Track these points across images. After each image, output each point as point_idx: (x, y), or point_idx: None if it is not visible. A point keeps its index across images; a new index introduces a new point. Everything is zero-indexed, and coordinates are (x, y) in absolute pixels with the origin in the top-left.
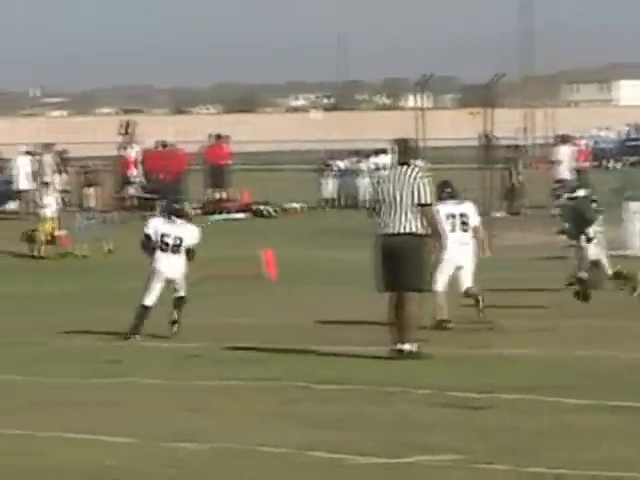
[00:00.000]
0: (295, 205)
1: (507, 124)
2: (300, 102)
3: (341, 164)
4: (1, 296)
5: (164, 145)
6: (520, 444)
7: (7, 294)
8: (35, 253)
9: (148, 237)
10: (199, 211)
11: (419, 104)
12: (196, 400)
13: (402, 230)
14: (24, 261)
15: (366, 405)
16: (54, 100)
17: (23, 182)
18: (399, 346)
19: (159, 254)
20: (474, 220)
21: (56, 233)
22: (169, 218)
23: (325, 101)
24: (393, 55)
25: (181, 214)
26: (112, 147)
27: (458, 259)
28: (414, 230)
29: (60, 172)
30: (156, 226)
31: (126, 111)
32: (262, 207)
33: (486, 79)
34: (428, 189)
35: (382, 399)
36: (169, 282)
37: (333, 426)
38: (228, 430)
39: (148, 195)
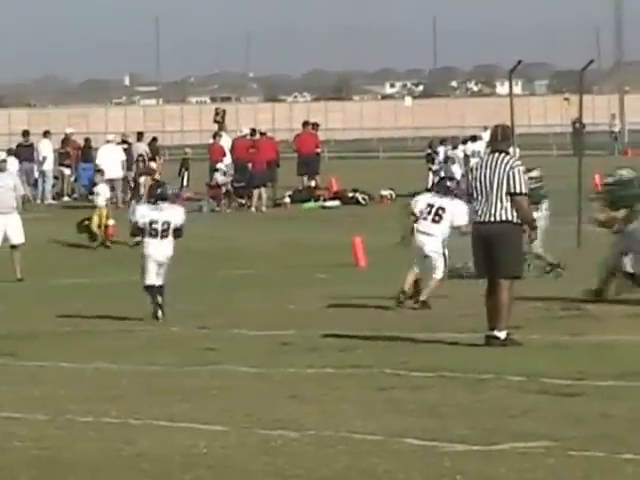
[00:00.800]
0: (385, 193)
1: (600, 110)
2: (392, 89)
3: (441, 151)
4: (77, 285)
5: (258, 133)
6: (614, 431)
7: (83, 284)
8: (92, 243)
9: (136, 224)
10: (291, 199)
11: (510, 91)
12: (290, 388)
13: (496, 218)
14: (84, 251)
15: (459, 392)
16: (146, 89)
17: (109, 171)
18: (493, 333)
19: (148, 239)
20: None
21: (106, 222)
22: (155, 203)
23: (417, 88)
24: (485, 41)
25: (165, 197)
26: (203, 135)
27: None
28: (508, 218)
29: (152, 160)
30: (143, 213)
31: (219, 99)
32: (352, 194)
33: (578, 65)
34: (521, 178)
35: (475, 386)
36: (159, 265)
37: (426, 413)
38: (322, 417)
39: (239, 184)
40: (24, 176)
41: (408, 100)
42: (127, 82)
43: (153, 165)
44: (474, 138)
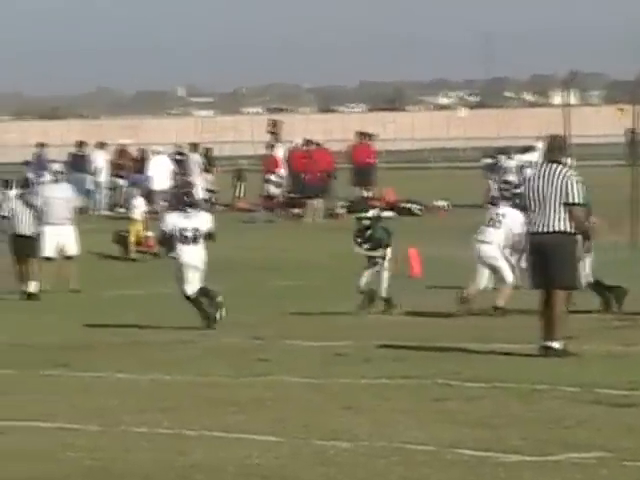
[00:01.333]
0: (440, 203)
1: None
2: (446, 100)
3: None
4: (129, 296)
5: (311, 144)
6: None
7: (136, 295)
8: (127, 255)
9: (165, 233)
10: (346, 210)
11: (566, 101)
12: (345, 398)
13: (551, 228)
14: (134, 262)
15: (513, 403)
16: (201, 100)
17: (159, 182)
18: (547, 343)
19: (181, 247)
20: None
21: (144, 234)
22: (183, 211)
23: (471, 99)
24: (539, 52)
25: (193, 204)
26: (257, 146)
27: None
28: (563, 228)
29: (207, 171)
30: (173, 221)
31: (272, 110)
32: (407, 205)
33: (633, 76)
34: (577, 188)
35: (529, 397)
36: (195, 271)
37: (480, 424)
38: (376, 428)
39: (294, 194)
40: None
41: (462, 110)
42: (181, 93)
43: (191, 179)
44: (528, 149)
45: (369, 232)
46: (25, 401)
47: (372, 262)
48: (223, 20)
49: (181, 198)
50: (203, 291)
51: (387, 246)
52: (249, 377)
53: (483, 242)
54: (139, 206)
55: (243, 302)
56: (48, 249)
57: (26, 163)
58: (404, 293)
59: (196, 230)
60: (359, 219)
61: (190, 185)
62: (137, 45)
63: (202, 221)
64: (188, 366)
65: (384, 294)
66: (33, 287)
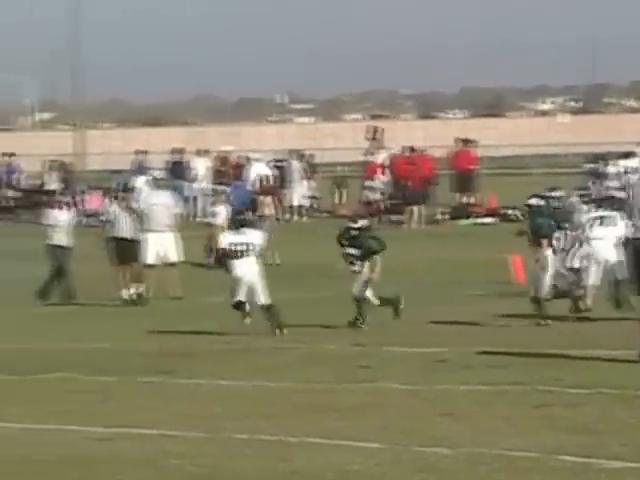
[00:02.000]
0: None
1: None
2: (547, 106)
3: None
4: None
5: (412, 150)
6: None
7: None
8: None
9: (224, 251)
10: (447, 216)
11: None
12: (445, 405)
13: None
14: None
15: (616, 409)
16: (301, 107)
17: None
18: None
19: (234, 262)
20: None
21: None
22: (237, 229)
23: (572, 104)
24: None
25: (246, 224)
26: (358, 153)
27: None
28: None
29: (308, 178)
30: (228, 239)
31: (373, 117)
32: (509, 211)
33: None
34: None
35: (632, 402)
36: (251, 286)
37: (582, 430)
38: (477, 435)
39: (394, 201)
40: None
41: (563, 116)
42: (282, 100)
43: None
44: (628, 154)
45: (359, 241)
46: (128, 408)
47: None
48: (321, 27)
49: (235, 218)
50: (269, 309)
51: (374, 253)
52: (350, 384)
53: (598, 239)
54: (221, 213)
55: (343, 308)
56: (150, 256)
57: (128, 171)
58: (503, 300)
59: (248, 244)
60: (348, 229)
61: (275, 192)
62: (237, 52)
63: (254, 237)
64: (290, 372)
65: (356, 293)
66: (136, 290)
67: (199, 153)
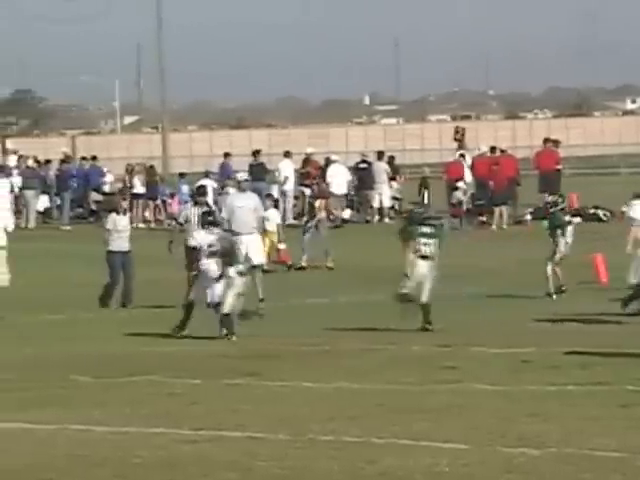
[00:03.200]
0: (623, 209)
1: None
2: (634, 105)
3: None
4: (314, 305)
5: (498, 150)
6: None
7: (320, 304)
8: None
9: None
10: (530, 216)
11: None
12: (532, 405)
13: None
14: (318, 271)
15: None
16: (387, 108)
17: (337, 187)
18: None
19: (205, 260)
20: None
21: (277, 246)
22: (207, 229)
23: None
24: None
25: (214, 224)
26: (443, 154)
27: None
28: None
29: (392, 179)
30: (198, 239)
31: (459, 117)
32: (593, 211)
33: None
34: None
35: None
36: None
37: None
38: (565, 435)
39: (478, 202)
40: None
41: None
42: (367, 101)
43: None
44: None
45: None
46: (214, 410)
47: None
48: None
49: (204, 218)
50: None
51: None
52: (436, 384)
53: None
54: (273, 218)
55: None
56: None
57: (206, 174)
58: (588, 300)
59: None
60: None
61: (328, 195)
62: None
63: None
64: (375, 374)
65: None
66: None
67: (286, 155)
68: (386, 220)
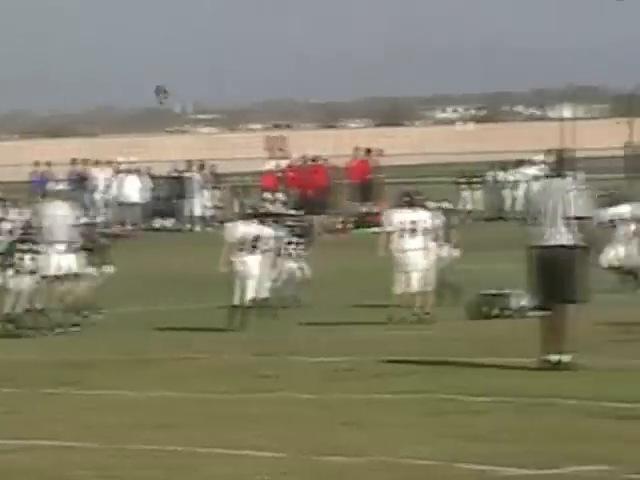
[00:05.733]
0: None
1: None
2: (447, 114)
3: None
4: (131, 315)
5: (311, 160)
6: None
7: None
8: None
9: None
10: (348, 225)
11: (567, 115)
12: (347, 414)
13: (559, 241)
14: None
15: (516, 417)
16: (204, 117)
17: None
18: (550, 357)
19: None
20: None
21: None
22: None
23: (472, 112)
24: (540, 65)
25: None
26: (259, 163)
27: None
28: (571, 241)
29: (213, 188)
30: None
31: (275, 126)
32: None
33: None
34: (582, 201)
35: (532, 410)
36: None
37: (483, 438)
38: (379, 443)
39: (292, 211)
40: None
41: (462, 125)
42: (184, 110)
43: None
44: (522, 162)
45: None
46: (30, 420)
47: None
48: (220, 39)
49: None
50: None
51: None
52: (252, 393)
53: None
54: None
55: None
56: (52, 268)
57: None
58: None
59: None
60: None
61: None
62: (139, 63)
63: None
64: (194, 382)
65: None
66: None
67: (99, 164)
68: (207, 228)
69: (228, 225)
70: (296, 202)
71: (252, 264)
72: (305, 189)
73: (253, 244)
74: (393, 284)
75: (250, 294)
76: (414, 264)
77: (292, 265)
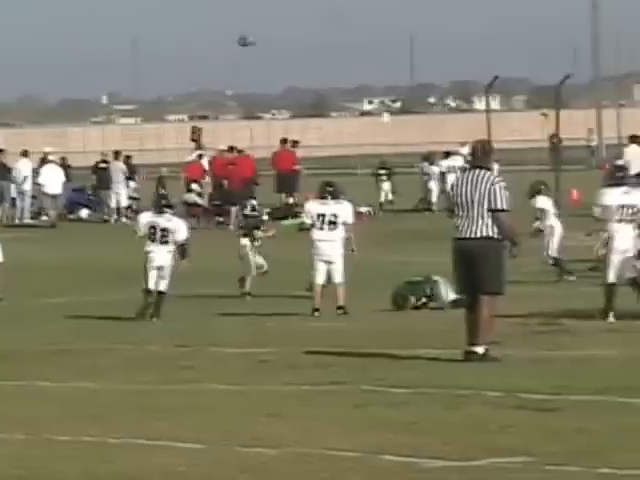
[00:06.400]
0: (363, 209)
1: (577, 125)
2: (370, 106)
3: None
4: (51, 305)
5: (234, 151)
6: (592, 446)
7: (65, 303)
8: None
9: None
10: (267, 216)
11: (489, 106)
12: (269, 405)
13: (477, 234)
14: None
15: (437, 408)
16: (125, 107)
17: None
18: (472, 348)
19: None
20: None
21: None
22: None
23: (395, 105)
24: (462, 57)
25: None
26: (181, 153)
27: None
28: (490, 234)
29: (129, 179)
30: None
31: (197, 117)
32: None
33: (556, 81)
34: (502, 194)
35: (453, 402)
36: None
37: (404, 430)
38: (301, 435)
39: (216, 202)
40: None
41: (386, 117)
42: (105, 101)
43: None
44: (448, 154)
45: None
46: None
47: None
48: (148, 29)
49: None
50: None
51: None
52: (174, 384)
53: None
54: None
55: (169, 310)
56: None
57: None
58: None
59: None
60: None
61: None
62: (60, 54)
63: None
64: (114, 373)
65: None
66: None
67: (24, 154)
68: (123, 219)
69: (141, 216)
70: (217, 193)
71: (159, 255)
72: (231, 180)
73: (163, 235)
74: (312, 275)
75: (151, 285)
76: (333, 255)
77: None
